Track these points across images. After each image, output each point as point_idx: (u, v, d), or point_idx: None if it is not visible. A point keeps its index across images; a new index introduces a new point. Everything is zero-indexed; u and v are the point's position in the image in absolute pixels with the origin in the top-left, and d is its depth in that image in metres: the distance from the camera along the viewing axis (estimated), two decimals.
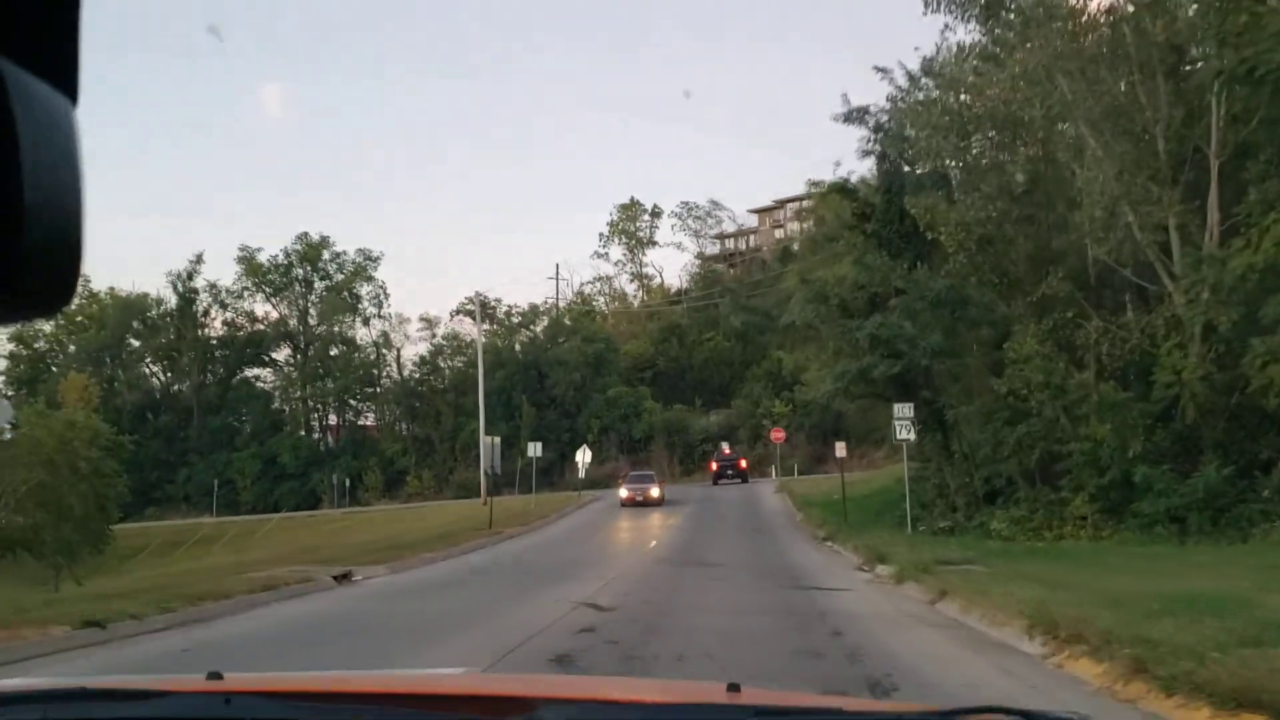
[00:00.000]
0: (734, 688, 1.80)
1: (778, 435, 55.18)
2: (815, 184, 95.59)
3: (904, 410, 23.76)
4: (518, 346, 71.45)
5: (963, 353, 23.29)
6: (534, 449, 40.22)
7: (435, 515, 43.36)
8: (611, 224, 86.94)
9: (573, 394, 68.62)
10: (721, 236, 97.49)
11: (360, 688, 1.91)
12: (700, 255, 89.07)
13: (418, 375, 73.50)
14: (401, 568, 19.26)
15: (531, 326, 72.50)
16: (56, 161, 0.77)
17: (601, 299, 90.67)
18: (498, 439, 34.18)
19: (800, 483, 45.92)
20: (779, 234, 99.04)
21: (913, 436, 23.84)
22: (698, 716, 1.56)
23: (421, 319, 71.99)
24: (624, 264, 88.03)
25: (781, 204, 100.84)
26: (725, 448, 56.38)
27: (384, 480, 67.63)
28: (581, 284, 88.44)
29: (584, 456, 44.00)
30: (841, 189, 26.30)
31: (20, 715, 1.53)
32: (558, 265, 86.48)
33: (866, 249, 23.63)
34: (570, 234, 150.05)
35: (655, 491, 37.16)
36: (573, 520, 34.77)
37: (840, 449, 34.24)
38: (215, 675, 1.80)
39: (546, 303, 73.60)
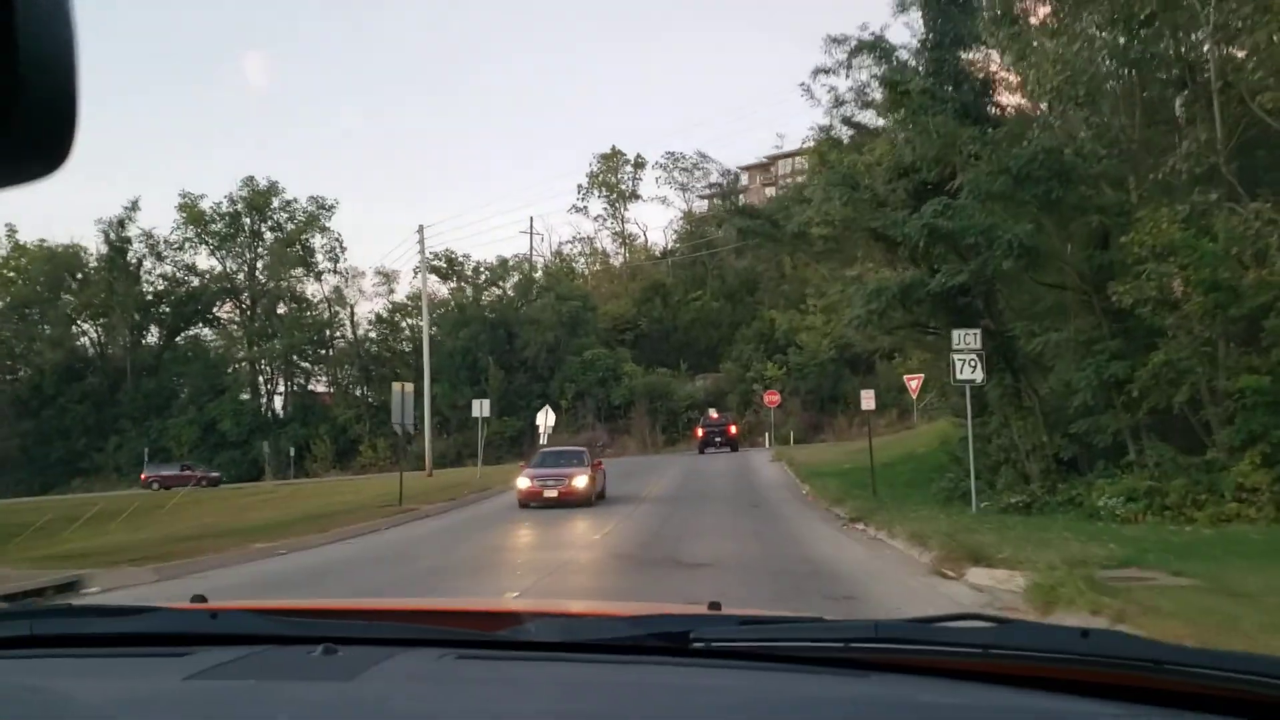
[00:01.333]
0: (715, 605, 1.86)
1: (771, 399, 47.81)
2: (822, 129, 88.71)
3: (967, 339, 16.37)
4: (485, 303, 63.78)
5: (1051, 256, 15.86)
6: (479, 408, 32.84)
7: (359, 489, 35.91)
8: (591, 175, 79.25)
9: (545, 356, 61.13)
10: (710, 194, 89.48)
11: (347, 605, 2.05)
12: (688, 212, 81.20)
13: (374, 335, 65.88)
14: (192, 569, 11.88)
15: (501, 283, 64.81)
16: (50, 13, 0.78)
17: (582, 260, 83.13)
18: (409, 386, 26.94)
19: (798, 451, 38.58)
20: (771, 193, 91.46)
21: (979, 376, 16.46)
22: (684, 627, 1.42)
23: (378, 272, 64.27)
24: (605, 219, 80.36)
25: (774, 159, 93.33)
26: (713, 413, 48.99)
27: (335, 450, 60.16)
28: (560, 243, 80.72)
29: (545, 419, 36.61)
30: (874, 47, 18.90)
31: (6, 631, 1.54)
32: (531, 218, 78.60)
33: (917, 108, 16.29)
34: (546, 187, 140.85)
35: (580, 482, 21.86)
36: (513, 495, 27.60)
37: (868, 399, 26.81)
38: (199, 598, 1.86)
39: (517, 258, 65.90)
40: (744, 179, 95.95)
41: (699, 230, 77.61)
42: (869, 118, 21.85)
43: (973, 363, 16.30)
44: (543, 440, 35.87)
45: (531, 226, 71.31)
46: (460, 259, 66.84)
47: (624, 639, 1.48)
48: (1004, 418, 18.57)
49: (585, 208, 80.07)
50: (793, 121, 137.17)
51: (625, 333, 66.60)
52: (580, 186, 79.25)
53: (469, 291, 62.80)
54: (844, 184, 18.49)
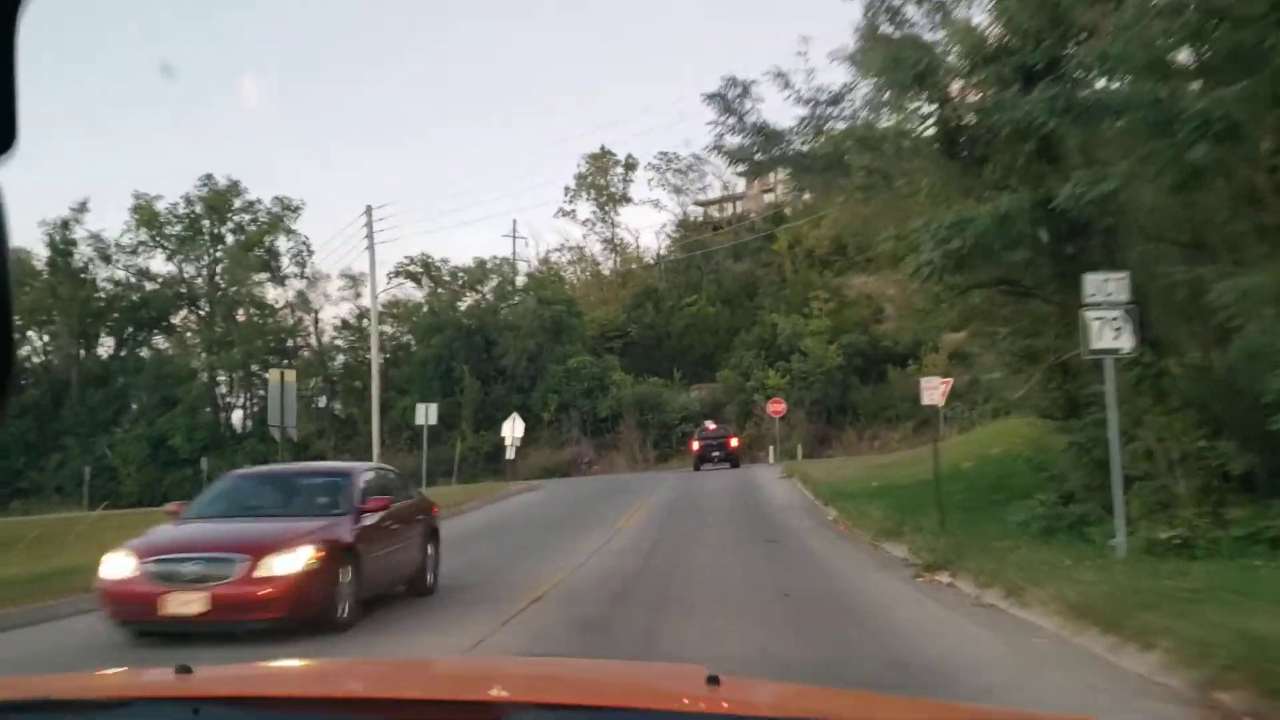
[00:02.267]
0: (713, 680, 1.73)
1: (776, 408, 41.98)
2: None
3: (1109, 289, 10.50)
4: (462, 308, 57.82)
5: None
6: (424, 413, 26.94)
7: None
8: (579, 177, 73.42)
9: (526, 364, 55.18)
10: (705, 203, 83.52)
11: (327, 691, 1.85)
12: (682, 216, 75.38)
13: (340, 343, 59.92)
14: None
15: (479, 286, 58.86)
16: None
17: (571, 268, 77.27)
18: (290, 376, 20.74)
19: (810, 466, 32.62)
20: (769, 199, 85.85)
21: (1128, 343, 10.56)
22: None
23: (344, 275, 58.34)
24: (593, 224, 74.43)
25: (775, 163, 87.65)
26: (710, 424, 43.06)
27: None
28: (548, 251, 74.65)
29: (513, 430, 30.78)
30: None
31: None
32: (514, 221, 72.41)
33: None
34: (533, 195, 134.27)
35: (281, 566, 8.55)
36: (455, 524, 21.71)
37: (931, 391, 20.62)
38: (184, 669, 1.75)
39: (496, 260, 59.86)
40: (740, 185, 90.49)
41: (693, 235, 71.87)
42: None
43: (1117, 323, 10.41)
44: (509, 454, 30.00)
45: (515, 230, 65.41)
46: (438, 263, 61.12)
47: None
48: (1134, 414, 12.63)
49: (573, 211, 74.18)
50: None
51: (614, 340, 60.74)
52: (567, 189, 73.48)
53: (443, 295, 56.75)
54: (907, 75, 12.55)
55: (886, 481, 23.02)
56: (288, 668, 2.72)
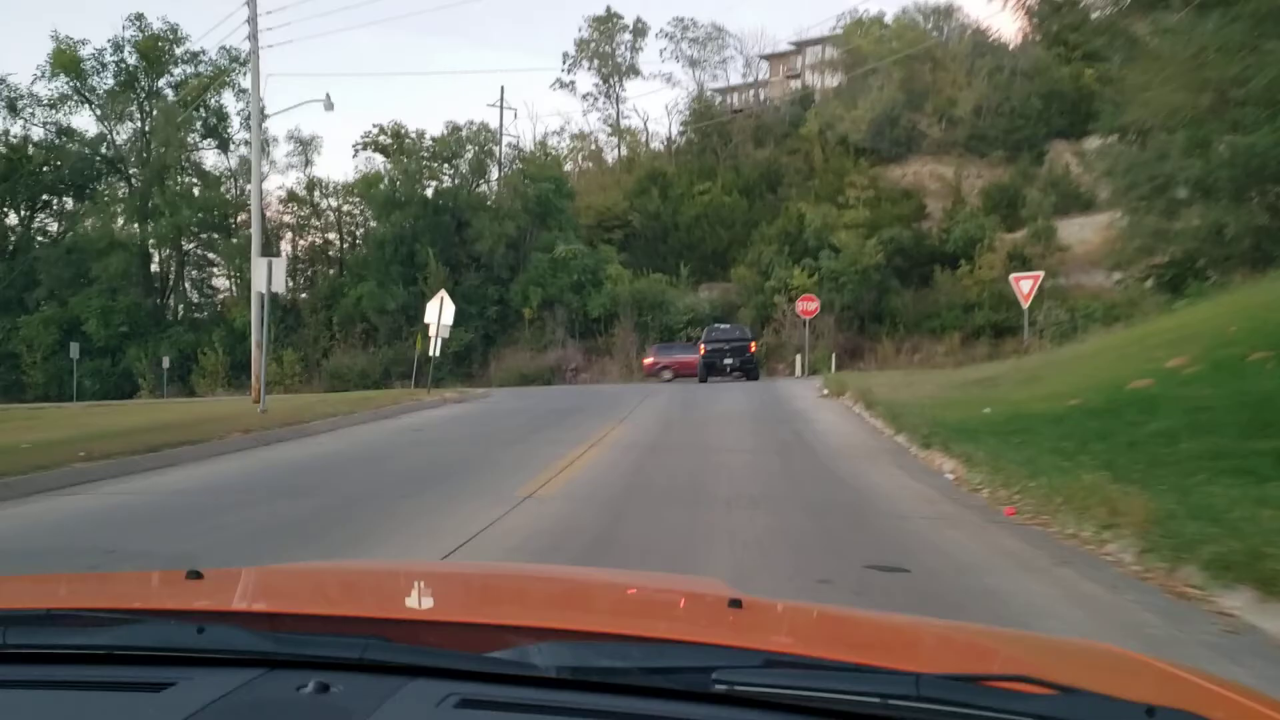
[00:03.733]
0: (735, 603, 1.70)
1: (808, 307, 32.62)
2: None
3: None
4: (429, 184, 47.95)
5: None
6: (264, 273, 17.43)
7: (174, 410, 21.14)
8: (580, 43, 62.88)
9: (504, 251, 45.60)
10: (725, 90, 72.56)
11: (336, 613, 1.80)
12: (698, 93, 64.86)
13: (288, 220, 50.33)
14: None
15: (454, 160, 48.84)
16: None
17: (571, 157, 67.01)
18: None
19: (859, 380, 22.94)
20: (795, 86, 75.04)
21: None
22: (705, 662, 1.31)
23: (292, 138, 48.52)
24: (595, 99, 64.02)
25: (801, 47, 76.90)
26: (721, 325, 33.41)
27: (231, 362, 44.92)
28: (544, 133, 64.15)
29: (438, 313, 21.37)
30: None
31: None
32: (502, 89, 60.99)
33: None
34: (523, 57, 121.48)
35: None
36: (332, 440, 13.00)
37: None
38: (195, 574, 1.83)
39: (471, 125, 49.43)
40: (765, 70, 79.64)
41: (710, 116, 61.47)
42: None
43: None
44: (433, 350, 20.82)
45: (502, 98, 54.82)
46: (413, 135, 50.90)
47: (638, 675, 1.32)
48: None
49: (572, 83, 63.80)
50: None
51: (613, 230, 50.98)
52: (566, 55, 63.01)
53: (408, 165, 46.85)
54: None
55: (1001, 406, 13.67)
56: (298, 574, 2.49)
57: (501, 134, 52.73)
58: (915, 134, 57.40)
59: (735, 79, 74.63)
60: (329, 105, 28.61)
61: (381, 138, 50.73)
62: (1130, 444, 9.31)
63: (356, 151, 51.34)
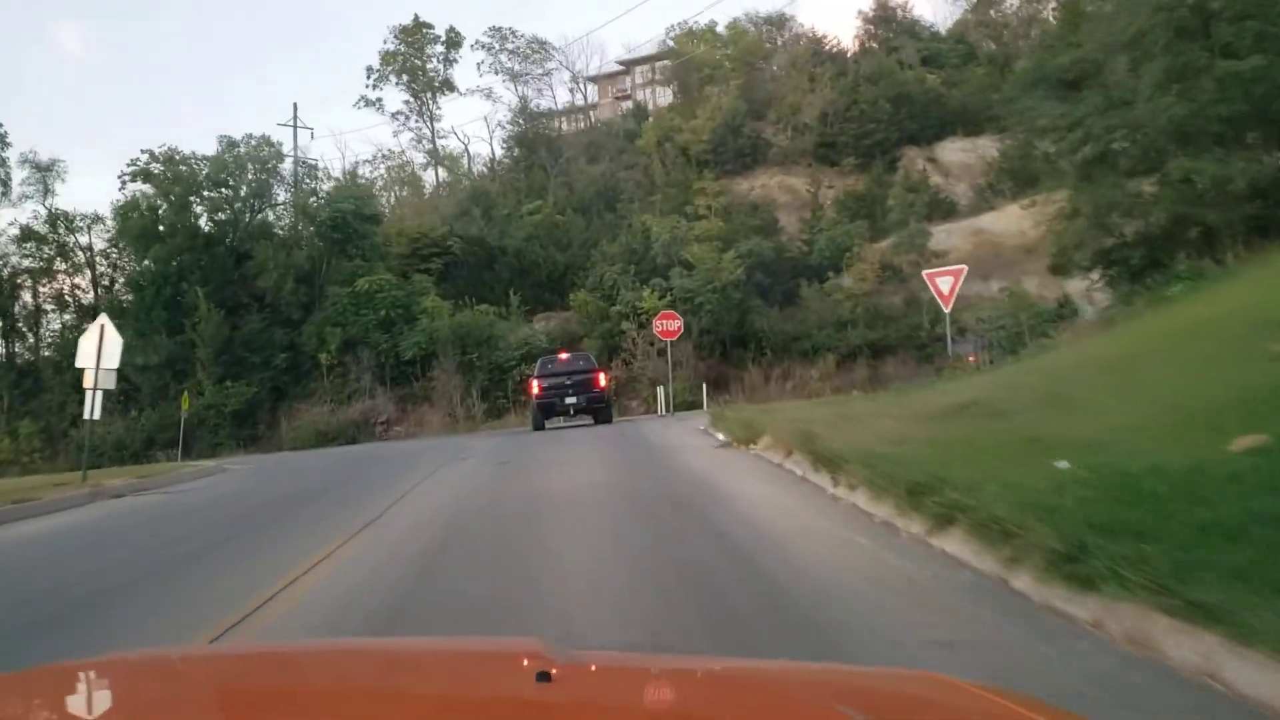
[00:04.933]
0: (545, 676, 1.55)
1: (669, 326, 25.96)
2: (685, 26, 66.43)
3: None
4: (200, 211, 39.24)
5: None
6: None
7: None
8: (386, 55, 55.18)
9: (293, 287, 37.37)
10: (549, 114, 65.95)
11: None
12: (522, 105, 58.11)
13: (25, 262, 40.63)
14: None
15: (231, 180, 40.19)
16: None
17: (384, 186, 58.86)
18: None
19: (769, 417, 16.08)
20: (627, 106, 69.31)
21: None
22: None
23: (26, 162, 39.13)
24: (407, 117, 56.37)
25: (630, 66, 71.50)
26: (561, 354, 26.13)
27: None
28: (354, 162, 55.38)
29: (96, 350, 13.53)
30: None
31: None
32: (295, 105, 50.96)
33: None
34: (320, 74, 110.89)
35: None
36: None
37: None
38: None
39: (250, 140, 40.75)
40: (593, 93, 73.78)
41: (536, 126, 54.79)
42: None
43: None
44: (89, 413, 12.99)
45: (295, 116, 46.23)
46: (189, 158, 41.74)
47: None
48: None
49: (380, 100, 55.86)
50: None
51: (430, 259, 43.28)
52: (370, 70, 55.14)
53: (174, 189, 38.10)
54: None
55: (1070, 454, 7.04)
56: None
57: (296, 151, 44.47)
58: (760, 143, 52.28)
59: (561, 94, 68.57)
60: None
61: (153, 165, 41.46)
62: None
63: (124, 184, 41.66)
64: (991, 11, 65.81)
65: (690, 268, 37.25)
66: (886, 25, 61.55)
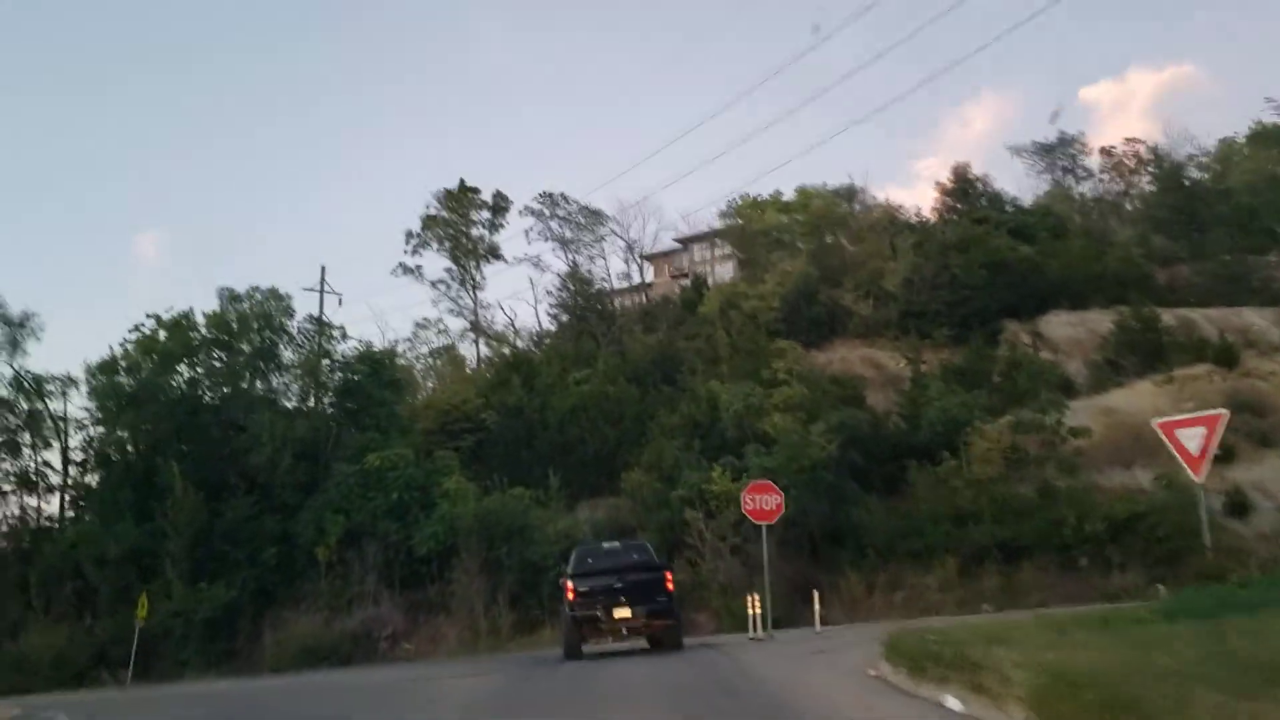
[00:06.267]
0: None
1: (762, 504, 18.69)
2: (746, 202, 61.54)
3: None
4: (183, 376, 33.30)
5: None
6: None
7: None
8: (428, 219, 50.73)
9: (291, 464, 30.81)
10: (604, 294, 60.88)
11: None
12: (572, 270, 52.97)
13: None
14: None
15: (233, 342, 34.48)
16: None
17: (424, 363, 53.50)
18: None
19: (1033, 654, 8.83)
20: (684, 284, 64.22)
21: None
22: None
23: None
24: (448, 285, 51.27)
25: (687, 243, 66.89)
26: (603, 543, 18.69)
27: None
28: (394, 342, 49.62)
29: None
30: None
31: None
32: (323, 269, 45.37)
33: None
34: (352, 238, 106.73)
35: None
36: None
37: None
38: None
39: (256, 294, 34.95)
40: (649, 272, 69.02)
41: (587, 290, 49.33)
42: None
43: None
44: None
45: (323, 280, 40.85)
46: (195, 322, 36.32)
47: None
48: None
49: (419, 268, 50.97)
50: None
51: (461, 435, 36.75)
52: (411, 234, 50.58)
53: (159, 349, 32.45)
54: None
55: None
56: None
57: (322, 315, 38.93)
58: (838, 311, 46.14)
59: (615, 263, 63.56)
60: None
61: (159, 332, 35.91)
62: None
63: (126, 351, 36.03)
64: (1080, 187, 61.07)
65: (769, 443, 30.15)
66: (965, 198, 56.39)
